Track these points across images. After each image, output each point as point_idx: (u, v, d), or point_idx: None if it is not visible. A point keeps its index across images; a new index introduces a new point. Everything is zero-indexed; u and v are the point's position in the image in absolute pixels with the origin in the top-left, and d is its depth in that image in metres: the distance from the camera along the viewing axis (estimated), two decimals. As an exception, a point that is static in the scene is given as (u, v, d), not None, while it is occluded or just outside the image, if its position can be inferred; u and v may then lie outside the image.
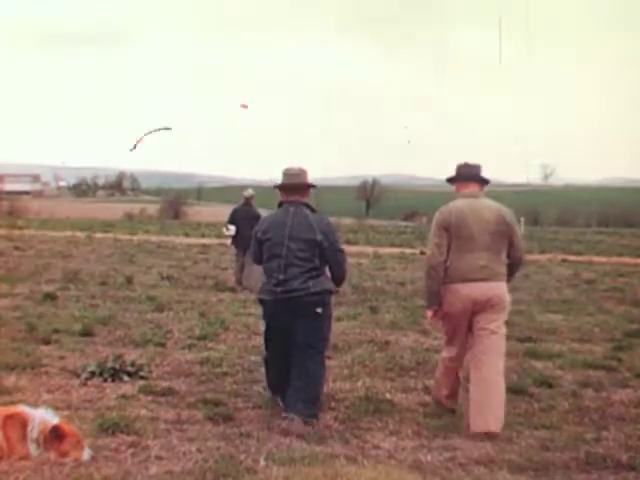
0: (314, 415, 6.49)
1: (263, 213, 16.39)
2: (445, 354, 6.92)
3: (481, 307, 6.48)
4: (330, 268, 6.83)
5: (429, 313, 6.75)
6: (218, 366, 8.56)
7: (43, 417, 5.37)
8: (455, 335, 6.72)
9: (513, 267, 6.71)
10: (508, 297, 6.64)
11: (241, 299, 14.67)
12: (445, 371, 6.94)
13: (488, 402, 6.42)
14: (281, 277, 6.59)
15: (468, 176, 6.75)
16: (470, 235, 6.48)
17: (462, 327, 6.63)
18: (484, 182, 6.78)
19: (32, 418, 5.32)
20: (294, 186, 6.83)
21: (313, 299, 6.58)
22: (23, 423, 5.29)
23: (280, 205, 6.90)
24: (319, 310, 6.62)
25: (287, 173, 6.90)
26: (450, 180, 6.88)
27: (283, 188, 6.86)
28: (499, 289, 6.53)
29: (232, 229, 16.42)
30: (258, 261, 6.99)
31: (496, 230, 6.52)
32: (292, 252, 6.59)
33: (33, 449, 5.31)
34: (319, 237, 6.64)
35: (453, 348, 6.80)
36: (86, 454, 5.38)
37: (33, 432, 5.31)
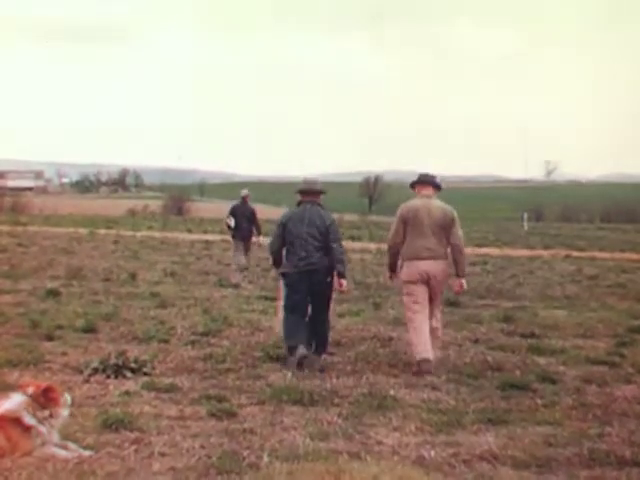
0: (325, 349, 8.95)
1: (258, 209, 19.20)
2: (409, 314, 8.81)
3: (428, 277, 8.72)
4: (332, 251, 8.86)
5: (387, 275, 9.39)
6: (221, 362, 8.57)
7: (18, 401, 5.38)
8: (414, 295, 8.76)
9: (455, 251, 8.87)
10: (448, 270, 8.89)
11: (244, 295, 14.68)
12: (418, 333, 8.65)
13: (430, 342, 8.61)
14: (303, 254, 8.83)
15: (427, 181, 9.06)
16: (421, 225, 8.74)
17: (419, 290, 8.74)
18: (438, 187, 9.07)
19: (18, 410, 5.32)
20: (311, 191, 9.14)
21: (325, 270, 8.85)
22: (17, 420, 5.28)
23: (299, 204, 9.14)
24: (328, 279, 8.89)
25: (306, 181, 9.32)
26: (413, 183, 9.13)
27: (303, 192, 9.14)
28: (441, 265, 8.82)
29: (233, 220, 18.50)
30: (278, 245, 9.07)
31: (441, 223, 8.77)
32: (309, 236, 8.84)
33: (46, 428, 5.33)
34: (327, 224, 8.93)
35: (415, 306, 8.74)
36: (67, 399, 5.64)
37: (30, 418, 5.31)
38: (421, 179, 9.09)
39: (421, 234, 8.72)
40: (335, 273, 8.90)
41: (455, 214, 8.85)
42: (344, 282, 8.96)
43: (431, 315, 8.78)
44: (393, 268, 9.10)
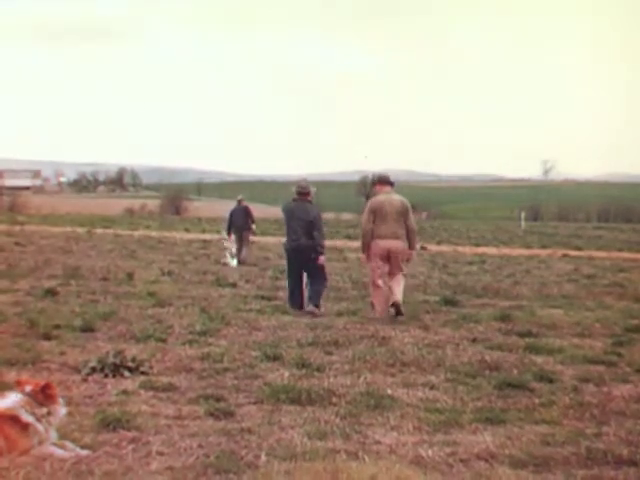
0: (318, 301, 12.62)
1: (255, 208, 24.47)
2: (373, 277, 12.12)
3: (391, 253, 11.98)
4: (314, 236, 12.63)
5: (362, 256, 12.60)
6: (219, 362, 8.56)
7: (15, 399, 5.37)
8: (378, 263, 12.03)
9: (409, 231, 12.13)
10: (405, 247, 12.13)
11: (242, 294, 14.68)
12: (377, 294, 12.07)
13: (397, 291, 12.01)
14: (294, 237, 12.70)
15: (385, 182, 12.51)
16: (385, 214, 11.97)
17: (382, 261, 12.00)
18: (392, 184, 12.47)
19: (16, 407, 5.31)
20: (302, 192, 12.98)
21: (309, 249, 12.65)
22: (15, 417, 5.27)
23: (294, 200, 12.98)
24: (313, 255, 12.63)
25: (300, 185, 13.16)
26: (374, 183, 12.83)
27: (297, 193, 12.95)
28: (401, 244, 12.07)
29: (228, 240, 22.81)
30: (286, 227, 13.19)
31: (400, 211, 12.05)
32: (299, 225, 12.67)
33: (44, 425, 5.33)
34: (312, 217, 12.76)
35: (378, 272, 12.02)
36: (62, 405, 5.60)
37: (28, 415, 5.30)
38: (381, 180, 12.58)
39: (385, 220, 11.93)
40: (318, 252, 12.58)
41: (409, 204, 12.26)
42: (322, 258, 12.77)
43: (392, 278, 11.99)
44: (366, 249, 12.16)
